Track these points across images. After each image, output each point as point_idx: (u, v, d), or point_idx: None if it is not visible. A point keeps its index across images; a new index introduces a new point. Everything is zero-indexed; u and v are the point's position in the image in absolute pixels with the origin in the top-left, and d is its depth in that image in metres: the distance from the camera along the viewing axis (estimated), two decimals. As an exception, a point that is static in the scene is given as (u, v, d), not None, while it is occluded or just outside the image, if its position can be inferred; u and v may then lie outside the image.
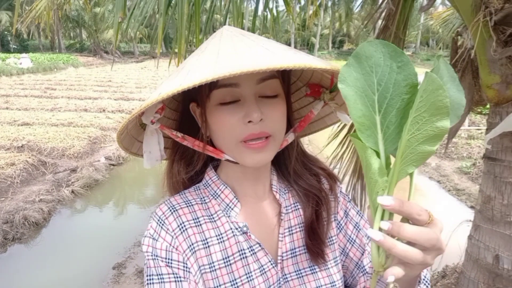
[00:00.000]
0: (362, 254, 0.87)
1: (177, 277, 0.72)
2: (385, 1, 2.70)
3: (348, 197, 0.93)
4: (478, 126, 8.33)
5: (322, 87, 0.86)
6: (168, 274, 0.72)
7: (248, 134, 0.71)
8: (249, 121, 0.70)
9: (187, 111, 0.82)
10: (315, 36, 39.28)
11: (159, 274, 0.72)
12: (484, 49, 1.95)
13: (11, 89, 13.61)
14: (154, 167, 0.82)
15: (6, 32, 35.63)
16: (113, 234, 4.53)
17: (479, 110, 2.41)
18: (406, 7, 2.56)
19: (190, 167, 0.84)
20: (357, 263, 0.87)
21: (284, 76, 0.79)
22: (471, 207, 4.85)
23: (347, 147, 2.89)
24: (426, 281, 0.72)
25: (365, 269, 0.86)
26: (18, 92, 12.94)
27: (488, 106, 2.24)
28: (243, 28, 2.40)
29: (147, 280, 0.72)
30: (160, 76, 19.00)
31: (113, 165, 6.65)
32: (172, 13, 2.14)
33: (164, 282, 0.71)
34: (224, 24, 2.62)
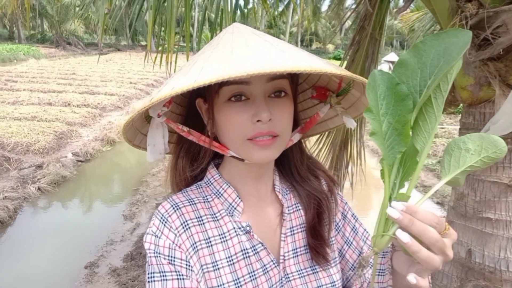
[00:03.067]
0: (358, 256, 0.89)
1: (179, 275, 0.71)
2: (362, 2, 2.76)
3: (345, 200, 0.94)
4: (442, 125, 8.67)
5: (328, 90, 0.87)
6: (171, 271, 0.71)
7: (256, 132, 0.71)
8: (258, 120, 0.70)
9: (193, 106, 0.82)
10: (284, 34, 39.50)
11: (162, 272, 0.71)
12: (459, 52, 2.03)
13: (-32, 81, 12.93)
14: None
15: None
16: (84, 233, 4.40)
17: (451, 110, 2.51)
18: (382, 8, 2.62)
19: (195, 163, 0.84)
20: (353, 265, 0.90)
21: (293, 77, 0.79)
22: (438, 203, 5.05)
23: (323, 145, 2.94)
24: None
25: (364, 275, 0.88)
26: (-25, 84, 12.31)
27: (460, 106, 2.34)
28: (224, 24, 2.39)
29: (149, 277, 0.71)
30: (127, 70, 18.54)
31: (80, 161, 6.46)
32: (140, 6, 2.09)
33: (166, 279, 0.71)
34: (203, 21, 2.60)
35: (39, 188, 5.18)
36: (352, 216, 0.93)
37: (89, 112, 9.44)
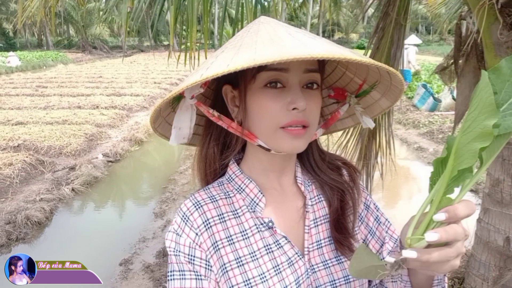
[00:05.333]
0: (381, 247, 0.88)
1: (198, 275, 0.72)
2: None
3: (366, 190, 0.93)
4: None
5: (346, 91, 0.88)
6: (190, 271, 0.72)
7: (291, 120, 0.71)
8: (294, 108, 0.70)
9: (219, 93, 0.81)
10: (305, 26, 39.09)
11: (181, 271, 0.72)
12: (490, 33, 1.96)
13: (2, 89, 13.38)
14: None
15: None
16: (117, 231, 4.53)
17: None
18: (406, -8, 2.55)
19: (225, 152, 0.83)
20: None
21: (322, 72, 0.79)
22: (472, 191, 4.90)
23: (351, 135, 2.90)
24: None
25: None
26: (9, 91, 12.73)
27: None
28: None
29: (169, 275, 0.73)
30: (150, 70, 18.81)
31: (111, 161, 6.61)
32: (161, 6, 2.11)
33: (185, 278, 0.72)
34: (224, 17, 2.60)
35: (72, 189, 5.33)
36: (374, 206, 0.92)
37: (117, 113, 9.64)
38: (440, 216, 0.56)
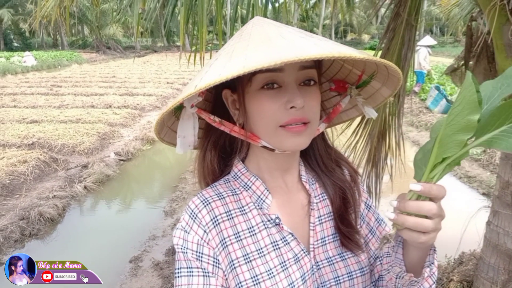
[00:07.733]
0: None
1: (205, 272, 0.73)
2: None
3: (366, 190, 0.96)
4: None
5: (346, 83, 0.88)
6: (197, 268, 0.73)
7: (290, 119, 0.72)
8: (292, 107, 0.71)
9: (219, 98, 0.83)
10: (317, 27, 38.91)
11: (189, 268, 0.73)
12: (501, 34, 1.94)
13: (18, 87, 13.64)
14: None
15: (8, 31, 35.62)
16: (127, 229, 4.59)
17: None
18: (418, -7, 2.53)
19: (230, 155, 0.86)
20: (375, 253, 0.91)
21: (318, 68, 0.80)
22: (483, 194, 4.84)
23: (360, 136, 2.89)
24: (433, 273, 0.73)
25: (381, 258, 0.88)
26: (24, 90, 12.97)
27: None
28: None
29: (176, 272, 0.74)
30: (163, 70, 18.95)
31: (123, 160, 6.69)
32: (173, 7, 2.14)
33: (192, 275, 0.73)
34: (235, 17, 2.62)
35: (85, 187, 5.41)
36: (374, 206, 0.95)
37: (129, 113, 9.75)
38: (416, 187, 0.64)
